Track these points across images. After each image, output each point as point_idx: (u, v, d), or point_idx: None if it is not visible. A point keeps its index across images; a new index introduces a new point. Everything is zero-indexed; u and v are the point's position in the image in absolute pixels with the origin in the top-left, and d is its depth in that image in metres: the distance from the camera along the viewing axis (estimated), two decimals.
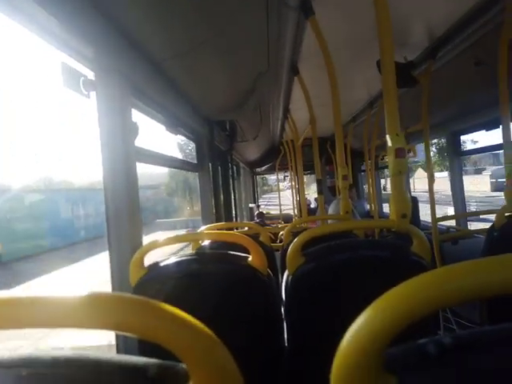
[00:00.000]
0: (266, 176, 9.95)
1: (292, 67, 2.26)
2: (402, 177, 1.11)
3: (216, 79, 2.16)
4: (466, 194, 3.36)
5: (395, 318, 0.30)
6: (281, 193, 7.24)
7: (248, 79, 2.31)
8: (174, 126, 2.00)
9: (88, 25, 1.09)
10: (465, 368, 0.31)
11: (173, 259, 1.14)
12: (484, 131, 2.81)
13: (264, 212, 7.69)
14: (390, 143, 1.09)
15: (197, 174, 2.71)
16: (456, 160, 3.31)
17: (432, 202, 2.48)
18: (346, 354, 0.32)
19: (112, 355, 0.34)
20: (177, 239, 1.22)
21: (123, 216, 1.25)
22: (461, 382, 0.31)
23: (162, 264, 1.14)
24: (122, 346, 1.24)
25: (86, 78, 1.13)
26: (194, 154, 2.69)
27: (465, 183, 3.40)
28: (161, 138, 3.01)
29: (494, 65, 1.79)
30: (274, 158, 6.19)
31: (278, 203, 6.82)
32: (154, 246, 1.17)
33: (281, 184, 7.78)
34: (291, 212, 6.57)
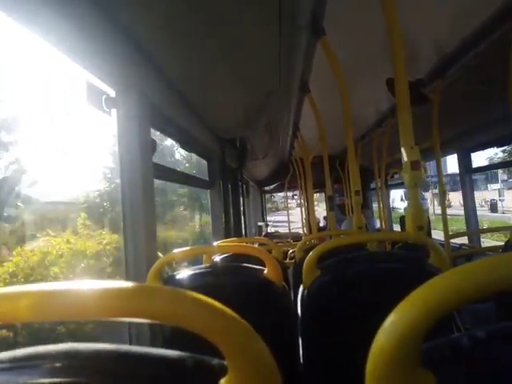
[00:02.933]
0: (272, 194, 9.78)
1: (302, 86, 2.30)
2: (418, 189, 1.12)
3: (228, 98, 2.22)
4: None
5: (431, 310, 0.30)
6: (289, 211, 7.21)
7: (259, 98, 2.36)
8: (187, 143, 2.04)
9: (111, 44, 1.14)
10: (497, 360, 0.31)
11: (188, 272, 1.15)
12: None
13: (272, 231, 7.67)
14: (405, 156, 1.10)
15: (208, 191, 2.74)
16: (467, 177, 3.30)
17: (444, 219, 2.46)
18: (382, 349, 0.32)
19: (149, 348, 0.35)
20: (193, 252, 1.23)
21: (140, 230, 1.27)
22: (494, 374, 0.31)
23: (177, 276, 1.14)
24: (135, 337, 1.23)
25: (107, 96, 1.18)
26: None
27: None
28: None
29: (502, 82, 1.81)
30: (283, 176, 6.21)
31: (282, 225, 6.78)
32: (170, 258, 1.18)
33: (288, 202, 7.76)
34: (299, 231, 6.54)
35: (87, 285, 0.31)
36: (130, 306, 0.31)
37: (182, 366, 0.34)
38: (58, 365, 0.33)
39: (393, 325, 0.32)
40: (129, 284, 0.32)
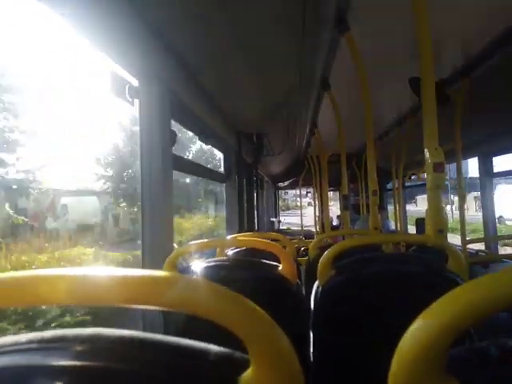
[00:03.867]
0: (283, 191, 9.59)
1: (323, 82, 2.28)
2: (440, 191, 1.10)
3: (247, 91, 2.21)
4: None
5: (460, 318, 0.30)
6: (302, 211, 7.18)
7: (278, 93, 2.35)
8: (205, 135, 2.05)
9: (135, 34, 1.15)
10: None
11: (204, 264, 1.15)
12: None
13: (284, 228, 7.65)
14: (428, 157, 1.08)
15: (223, 184, 2.75)
16: (488, 181, 3.22)
17: (462, 224, 2.41)
18: (408, 357, 0.31)
19: (174, 338, 0.35)
20: (208, 244, 1.23)
21: (157, 221, 1.28)
22: None
23: (193, 268, 1.15)
24: (148, 325, 1.25)
25: (130, 85, 1.18)
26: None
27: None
28: None
29: None
30: (298, 173, 6.18)
31: (293, 226, 6.76)
32: (186, 250, 1.18)
33: (301, 200, 7.72)
34: (311, 229, 6.51)
35: (107, 272, 0.31)
36: (151, 293, 0.31)
37: (205, 358, 0.34)
38: (82, 348, 0.33)
39: (418, 331, 0.31)
40: (167, 274, 0.32)
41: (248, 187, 3.48)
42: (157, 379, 0.33)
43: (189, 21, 1.30)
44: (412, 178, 4.60)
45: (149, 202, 1.26)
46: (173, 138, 1.38)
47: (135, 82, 1.22)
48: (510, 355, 0.32)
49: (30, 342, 0.34)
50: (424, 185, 1.21)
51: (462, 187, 2.47)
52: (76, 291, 0.31)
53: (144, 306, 0.31)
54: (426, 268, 1.04)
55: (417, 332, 0.31)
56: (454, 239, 3.09)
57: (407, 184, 5.04)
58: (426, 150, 1.10)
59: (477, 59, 2.07)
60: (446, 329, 0.30)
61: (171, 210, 1.34)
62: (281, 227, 7.68)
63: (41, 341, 0.34)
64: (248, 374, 0.32)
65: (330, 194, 10.18)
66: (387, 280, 1.04)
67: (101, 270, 0.32)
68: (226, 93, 2.07)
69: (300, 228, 6.54)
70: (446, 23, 1.75)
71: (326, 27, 1.64)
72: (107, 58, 1.08)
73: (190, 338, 0.35)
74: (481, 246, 3.21)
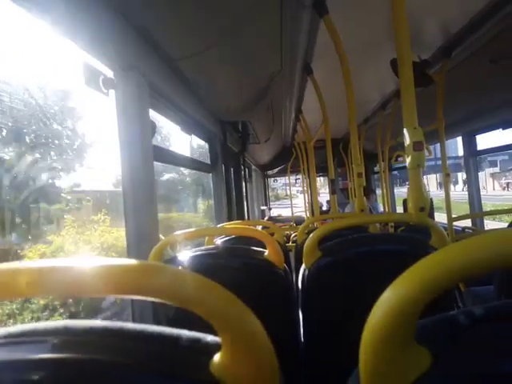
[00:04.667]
0: (272, 179, 9.39)
1: (305, 67, 2.26)
2: (420, 170, 1.11)
3: (229, 79, 2.18)
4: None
5: (426, 286, 0.30)
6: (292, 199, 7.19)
7: (261, 79, 2.32)
8: (188, 126, 2.03)
9: (107, 24, 1.11)
10: (497, 339, 0.31)
11: (190, 253, 1.15)
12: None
13: (275, 215, 7.68)
14: (408, 137, 1.09)
15: (210, 175, 2.73)
16: (471, 160, 3.27)
17: (447, 202, 2.45)
18: (377, 325, 0.31)
19: (144, 325, 0.35)
20: (196, 233, 1.23)
21: (141, 213, 1.27)
22: (493, 352, 0.31)
23: (179, 258, 1.15)
24: (138, 315, 1.25)
25: (105, 77, 1.16)
26: None
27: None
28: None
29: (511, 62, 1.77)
30: (286, 160, 6.18)
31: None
32: (172, 240, 1.18)
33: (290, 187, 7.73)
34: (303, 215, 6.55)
35: (91, 261, 0.31)
36: (129, 282, 0.31)
37: (176, 343, 0.34)
38: (52, 341, 0.33)
39: (387, 300, 0.31)
40: (141, 262, 0.32)
41: (236, 176, 3.46)
42: (128, 366, 0.33)
43: (165, 7, 1.27)
44: (398, 159, 4.64)
45: (131, 193, 1.25)
46: (153, 128, 1.36)
47: (110, 73, 1.19)
48: (479, 323, 0.32)
49: None
50: None
51: (446, 166, 2.50)
52: (61, 282, 0.31)
53: (121, 295, 0.31)
54: (409, 246, 1.06)
55: (384, 301, 0.31)
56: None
57: (394, 166, 5.08)
58: (405, 129, 1.11)
59: (457, 39, 2.08)
60: (411, 298, 0.30)
61: (154, 200, 1.33)
62: (272, 214, 7.72)
63: (7, 336, 0.34)
64: (219, 356, 0.32)
65: (321, 179, 10.18)
66: (371, 259, 1.05)
67: (83, 260, 0.31)
68: (206, 81, 2.04)
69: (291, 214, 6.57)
70: (424, 4, 1.74)
71: (306, 10, 1.62)
72: (79, 49, 1.05)
73: (180, 326, 0.35)
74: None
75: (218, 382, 0.31)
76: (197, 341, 0.34)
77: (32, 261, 0.32)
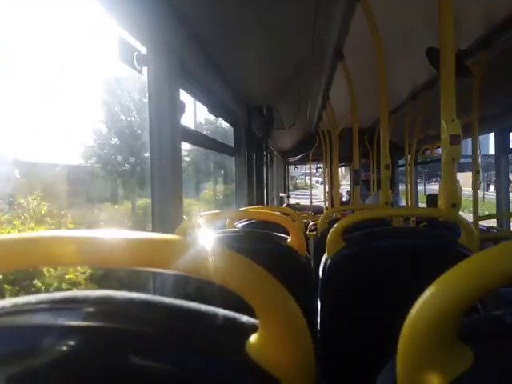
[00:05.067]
0: (292, 167, 9.16)
1: (337, 53, 2.20)
2: (454, 165, 1.08)
3: (258, 62, 2.15)
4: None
5: (474, 286, 0.29)
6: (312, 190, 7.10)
7: (290, 64, 2.28)
8: (215, 107, 2.02)
9: (144, 1, 1.11)
10: None
11: (214, 235, 1.16)
12: None
13: (293, 203, 7.65)
14: (445, 129, 1.05)
15: (233, 158, 2.73)
16: (503, 158, 3.15)
17: (475, 200, 2.38)
18: (421, 320, 0.31)
19: (182, 301, 0.35)
20: (218, 215, 1.24)
21: (167, 192, 1.28)
22: None
23: (202, 240, 1.16)
24: (158, 291, 1.27)
25: (139, 53, 1.16)
26: None
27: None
28: None
29: None
30: (308, 148, 6.11)
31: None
32: (195, 221, 1.19)
33: (310, 176, 7.65)
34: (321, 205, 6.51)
35: (119, 234, 0.32)
36: (164, 256, 0.31)
37: (212, 321, 0.34)
38: (92, 310, 0.34)
39: (433, 296, 0.31)
40: (169, 236, 0.32)
41: (258, 161, 3.45)
42: (166, 341, 0.33)
43: None
44: (426, 152, 4.52)
45: (158, 171, 1.26)
46: (182, 108, 1.36)
47: (144, 50, 1.19)
48: None
49: (41, 302, 0.34)
50: (439, 160, 1.18)
51: (477, 163, 2.42)
52: (88, 252, 0.31)
53: (157, 269, 0.32)
54: (436, 242, 1.03)
55: (428, 300, 0.31)
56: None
57: (419, 160, 4.96)
58: (442, 121, 1.07)
59: (499, 29, 1.97)
60: (457, 297, 0.30)
61: (180, 181, 1.34)
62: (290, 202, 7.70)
63: (51, 301, 0.35)
64: (255, 338, 0.32)
65: (342, 170, 10.02)
66: (396, 253, 1.03)
67: (113, 232, 0.32)
68: (236, 64, 2.02)
69: (310, 204, 6.54)
70: None
71: None
72: (114, 24, 1.05)
73: (199, 302, 0.35)
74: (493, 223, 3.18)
75: (255, 363, 0.31)
76: (233, 320, 0.34)
77: (67, 230, 0.32)
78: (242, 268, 0.32)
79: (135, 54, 1.15)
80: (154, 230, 1.28)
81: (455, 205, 1.07)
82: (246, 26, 1.64)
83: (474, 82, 2.23)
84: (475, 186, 2.39)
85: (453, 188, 1.08)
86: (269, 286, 0.32)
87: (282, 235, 1.18)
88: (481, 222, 2.58)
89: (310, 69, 2.42)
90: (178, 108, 1.34)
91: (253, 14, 1.55)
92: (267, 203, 4.49)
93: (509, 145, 3.16)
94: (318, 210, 5.90)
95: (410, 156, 3.92)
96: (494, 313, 0.33)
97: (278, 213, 2.54)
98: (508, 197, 3.24)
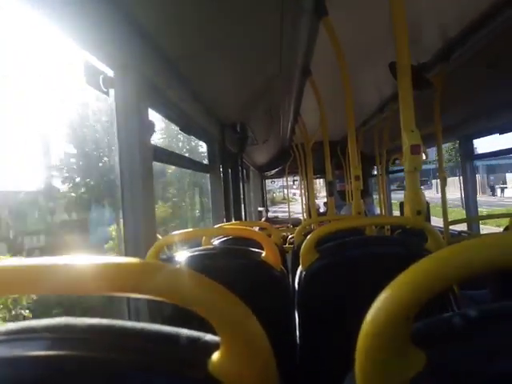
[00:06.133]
0: (269, 180, 9.06)
1: (304, 69, 2.27)
2: (417, 174, 1.12)
3: (228, 80, 2.19)
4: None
5: (421, 288, 0.30)
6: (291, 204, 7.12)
7: (260, 81, 2.33)
8: (187, 126, 2.03)
9: (108, 23, 1.12)
10: (492, 340, 0.31)
11: (187, 253, 1.15)
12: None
13: (273, 216, 7.68)
14: (405, 140, 1.10)
15: (208, 175, 2.74)
16: (468, 164, 3.29)
17: (444, 205, 2.46)
18: (372, 327, 0.32)
19: (144, 324, 0.35)
20: (193, 234, 1.23)
21: (139, 213, 1.27)
22: (489, 354, 0.31)
23: (176, 258, 1.15)
24: (133, 313, 1.24)
25: (105, 76, 1.16)
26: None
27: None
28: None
29: (509, 66, 1.78)
30: (284, 161, 6.19)
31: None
32: (170, 240, 1.18)
33: (287, 189, 7.73)
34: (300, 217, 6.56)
35: (90, 260, 0.31)
36: (131, 281, 0.31)
37: (175, 341, 0.34)
38: (52, 338, 0.33)
39: (382, 303, 0.32)
40: (131, 260, 0.32)
41: (234, 177, 3.47)
42: (127, 364, 0.33)
43: (165, 8, 1.27)
44: (396, 162, 4.67)
45: (129, 193, 1.25)
46: (152, 127, 1.36)
47: (110, 72, 1.20)
48: (473, 325, 0.33)
49: None
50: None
51: (443, 169, 2.52)
52: (60, 280, 0.31)
53: (120, 294, 0.32)
54: (405, 248, 1.07)
55: (380, 304, 0.32)
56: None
57: (391, 169, 5.10)
58: (403, 132, 1.11)
59: (455, 43, 2.09)
60: (407, 300, 0.30)
61: (153, 201, 1.33)
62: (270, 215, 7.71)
63: (6, 333, 0.34)
64: (217, 355, 0.33)
65: (321, 182, 10.15)
66: (367, 261, 1.06)
67: (82, 258, 0.31)
68: (206, 82, 2.05)
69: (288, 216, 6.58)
70: (423, 7, 1.76)
71: (305, 12, 1.63)
72: (78, 48, 1.05)
73: (175, 324, 0.35)
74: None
75: (217, 381, 0.32)
76: (196, 339, 0.34)
77: (31, 258, 0.32)
78: (201, 287, 0.32)
79: (101, 76, 1.15)
80: (126, 252, 1.26)
81: (420, 212, 1.11)
82: (213, 45, 1.67)
83: (435, 93, 2.34)
84: (443, 192, 2.48)
85: (417, 196, 1.12)
86: (227, 303, 0.32)
87: (257, 250, 1.18)
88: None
89: (280, 85, 2.48)
90: (147, 128, 1.34)
91: (220, 33, 1.59)
92: (245, 218, 4.49)
93: (473, 151, 3.31)
94: (296, 223, 5.94)
95: (381, 166, 4.03)
96: (444, 315, 0.35)
97: (256, 228, 2.55)
98: (476, 201, 3.36)
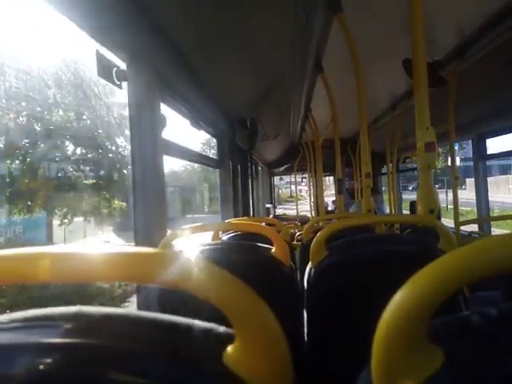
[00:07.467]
0: (276, 177, 9.07)
1: (316, 65, 2.25)
2: (431, 172, 1.10)
3: (239, 75, 2.18)
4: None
5: (439, 287, 0.30)
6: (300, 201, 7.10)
7: (272, 76, 2.32)
8: (197, 121, 2.03)
9: (122, 16, 1.12)
10: (509, 340, 0.31)
11: (198, 246, 1.15)
12: None
13: (280, 213, 7.67)
14: (419, 138, 1.08)
15: (217, 170, 2.74)
16: (481, 164, 3.24)
17: (455, 205, 2.43)
18: (390, 324, 0.31)
19: (159, 314, 0.35)
20: (202, 228, 1.23)
21: (150, 206, 1.28)
22: (504, 353, 0.30)
23: (186, 252, 1.15)
24: (143, 304, 1.25)
25: (118, 68, 1.16)
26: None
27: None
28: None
29: None
30: (293, 158, 6.17)
31: None
32: (179, 234, 1.18)
33: (296, 187, 7.69)
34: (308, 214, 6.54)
35: (102, 249, 0.32)
36: (145, 270, 0.31)
37: (188, 332, 0.34)
38: (67, 326, 0.33)
39: (400, 300, 0.31)
40: (145, 250, 0.32)
41: (243, 173, 3.47)
42: (141, 354, 0.33)
43: (178, 2, 1.27)
44: (406, 161, 4.62)
45: (140, 186, 1.25)
46: (163, 121, 1.36)
47: (123, 65, 1.20)
48: (492, 323, 0.32)
49: (13, 321, 0.34)
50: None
51: (455, 169, 2.48)
52: (76, 269, 0.31)
53: (139, 283, 0.32)
54: (416, 247, 1.05)
55: (398, 302, 0.31)
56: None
57: (401, 168, 5.06)
58: (417, 130, 1.10)
59: (471, 40, 2.05)
60: (425, 299, 0.30)
61: (163, 194, 1.34)
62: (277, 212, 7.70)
63: (24, 320, 0.34)
64: (232, 348, 0.32)
65: (330, 179, 10.08)
66: (378, 259, 1.05)
67: (96, 247, 0.32)
68: (217, 77, 2.05)
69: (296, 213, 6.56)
70: (440, 4, 1.73)
71: (319, 8, 1.61)
72: (93, 41, 1.05)
73: (185, 315, 0.35)
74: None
75: (232, 373, 0.31)
76: (209, 331, 0.34)
77: (47, 247, 0.32)
78: (217, 279, 0.32)
79: (114, 69, 1.15)
80: (136, 244, 1.27)
81: (433, 210, 1.09)
82: (226, 40, 1.67)
83: (448, 91, 2.30)
84: (455, 192, 2.45)
85: (430, 194, 1.11)
86: (244, 296, 0.32)
87: (267, 246, 1.18)
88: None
89: (291, 81, 2.46)
90: (159, 122, 1.34)
91: (232, 28, 1.58)
92: (253, 214, 4.49)
93: (486, 151, 3.25)
94: (304, 220, 5.92)
95: (391, 164, 4.00)
96: (462, 314, 0.34)
97: (264, 224, 2.55)
98: (488, 202, 3.31)
